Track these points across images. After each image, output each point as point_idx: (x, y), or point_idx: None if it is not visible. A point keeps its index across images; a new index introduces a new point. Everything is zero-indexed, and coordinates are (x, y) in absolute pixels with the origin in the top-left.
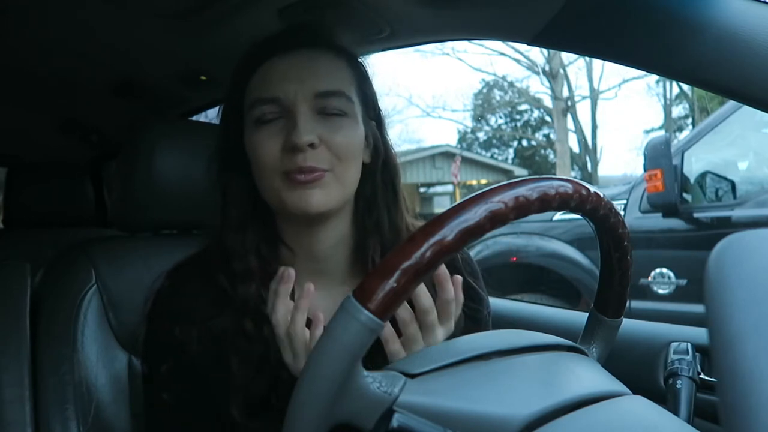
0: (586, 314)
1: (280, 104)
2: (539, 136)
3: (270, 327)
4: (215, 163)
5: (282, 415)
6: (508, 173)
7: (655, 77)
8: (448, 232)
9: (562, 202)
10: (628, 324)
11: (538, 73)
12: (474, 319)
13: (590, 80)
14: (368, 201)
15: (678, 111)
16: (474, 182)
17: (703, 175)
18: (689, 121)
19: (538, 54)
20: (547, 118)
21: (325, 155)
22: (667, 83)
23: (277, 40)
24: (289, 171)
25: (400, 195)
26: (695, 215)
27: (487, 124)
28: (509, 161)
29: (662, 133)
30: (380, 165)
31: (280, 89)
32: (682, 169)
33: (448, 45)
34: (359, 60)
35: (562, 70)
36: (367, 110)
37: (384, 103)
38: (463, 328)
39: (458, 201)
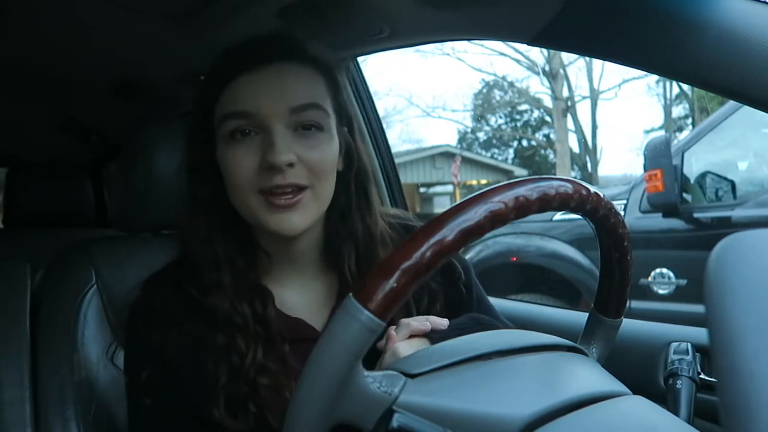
0: (586, 314)
1: (253, 119)
2: (539, 136)
3: (244, 338)
4: (184, 172)
5: (262, 418)
6: (508, 173)
7: (655, 77)
8: (448, 232)
9: (562, 202)
10: (628, 324)
11: (538, 73)
12: (450, 283)
13: (590, 80)
14: (342, 209)
15: (678, 111)
16: (474, 182)
17: (703, 175)
18: (689, 121)
19: (538, 54)
20: (547, 118)
21: (302, 173)
22: (667, 83)
23: (246, 54)
24: (265, 190)
25: (372, 201)
26: (695, 215)
27: (487, 124)
28: (509, 161)
29: (662, 133)
30: (354, 173)
31: (252, 104)
32: (682, 169)
33: (448, 45)
34: (331, 69)
35: (562, 70)
36: (340, 119)
37: (384, 103)
38: (444, 296)
39: (458, 201)
